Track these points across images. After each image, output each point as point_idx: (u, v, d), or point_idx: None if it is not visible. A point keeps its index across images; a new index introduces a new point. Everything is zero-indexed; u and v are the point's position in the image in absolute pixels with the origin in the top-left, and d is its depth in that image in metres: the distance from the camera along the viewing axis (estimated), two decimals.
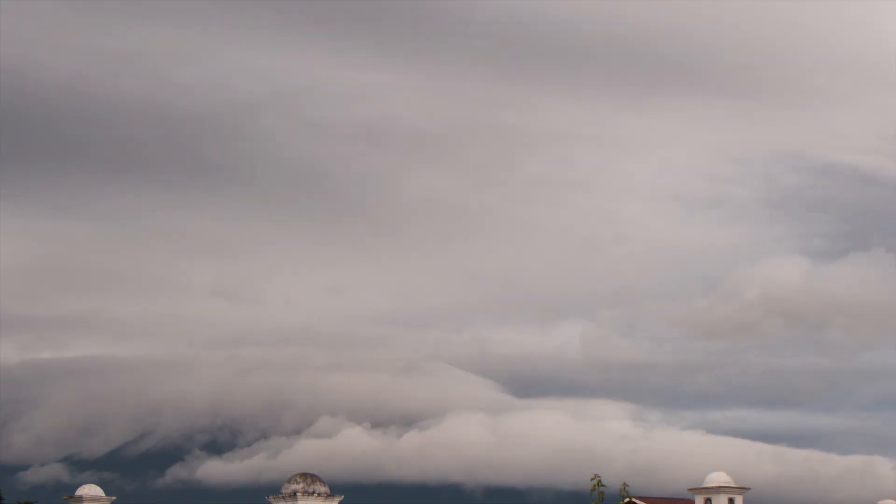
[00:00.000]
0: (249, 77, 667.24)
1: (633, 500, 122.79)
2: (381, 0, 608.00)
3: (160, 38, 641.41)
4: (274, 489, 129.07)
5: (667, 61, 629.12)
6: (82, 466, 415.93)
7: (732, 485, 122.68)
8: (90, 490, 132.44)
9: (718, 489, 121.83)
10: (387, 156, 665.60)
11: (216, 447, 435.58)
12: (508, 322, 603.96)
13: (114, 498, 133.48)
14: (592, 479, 40.53)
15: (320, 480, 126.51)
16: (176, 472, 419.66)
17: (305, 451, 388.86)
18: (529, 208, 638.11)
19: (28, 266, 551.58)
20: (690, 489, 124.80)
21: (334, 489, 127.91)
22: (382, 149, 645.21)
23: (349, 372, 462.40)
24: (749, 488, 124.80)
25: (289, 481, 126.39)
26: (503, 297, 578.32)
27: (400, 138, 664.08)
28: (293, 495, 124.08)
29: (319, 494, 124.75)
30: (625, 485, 41.93)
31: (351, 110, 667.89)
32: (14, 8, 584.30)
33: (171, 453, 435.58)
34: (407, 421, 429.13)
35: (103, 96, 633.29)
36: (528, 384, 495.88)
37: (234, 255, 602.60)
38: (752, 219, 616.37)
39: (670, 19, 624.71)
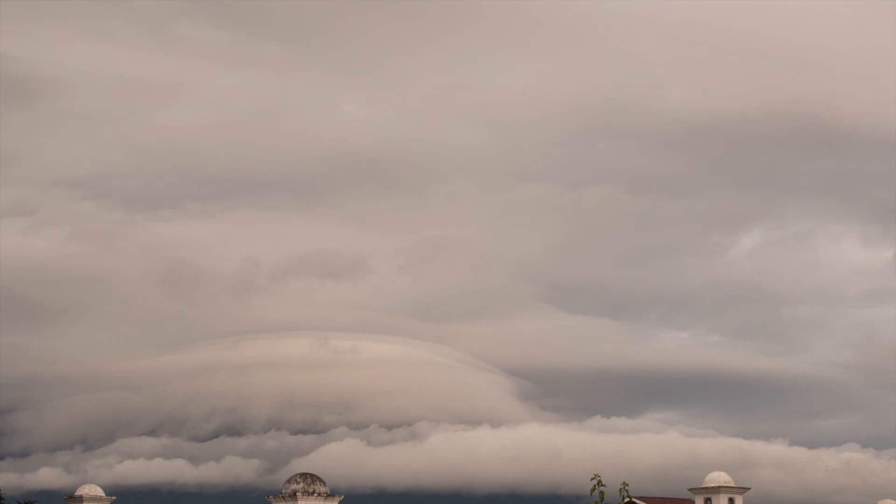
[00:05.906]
0: None
1: (633, 500, 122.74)
2: None
3: None
4: None
5: None
6: None
7: (732, 485, 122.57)
8: (90, 490, 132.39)
9: (718, 489, 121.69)
10: None
11: None
12: None
13: (113, 498, 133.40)
14: (592, 478, 40.36)
15: (320, 480, 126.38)
16: None
17: None
18: None
19: None
20: (690, 489, 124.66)
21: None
22: None
23: None
24: (749, 488, 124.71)
25: (289, 481, 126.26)
26: None
27: None
28: (293, 495, 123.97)
29: (319, 494, 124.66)
30: (624, 484, 41.75)
31: None
32: None
33: None
34: None
35: None
36: None
37: None
38: None
39: None
